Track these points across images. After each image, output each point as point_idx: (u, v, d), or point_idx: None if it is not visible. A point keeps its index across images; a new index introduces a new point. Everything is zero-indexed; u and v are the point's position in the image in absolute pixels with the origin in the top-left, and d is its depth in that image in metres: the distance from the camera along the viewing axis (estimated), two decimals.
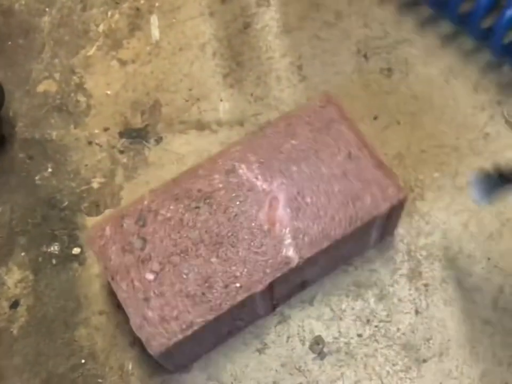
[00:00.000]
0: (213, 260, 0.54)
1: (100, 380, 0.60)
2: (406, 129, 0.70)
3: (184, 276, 0.54)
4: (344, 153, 0.58)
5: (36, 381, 0.61)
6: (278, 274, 0.54)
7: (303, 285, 0.62)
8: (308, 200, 0.57)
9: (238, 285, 0.53)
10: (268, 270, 0.54)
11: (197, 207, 0.57)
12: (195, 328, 0.52)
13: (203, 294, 0.53)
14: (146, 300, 0.53)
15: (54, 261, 0.65)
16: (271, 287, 0.54)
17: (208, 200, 0.57)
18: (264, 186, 0.57)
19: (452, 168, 0.68)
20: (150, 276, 0.54)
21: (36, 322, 0.63)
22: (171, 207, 0.56)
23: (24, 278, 0.65)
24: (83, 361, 0.61)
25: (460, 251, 0.64)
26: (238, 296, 0.53)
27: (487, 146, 0.69)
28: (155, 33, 0.77)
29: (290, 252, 0.54)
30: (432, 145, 0.69)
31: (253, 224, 0.56)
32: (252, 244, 0.55)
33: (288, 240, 0.55)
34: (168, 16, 0.78)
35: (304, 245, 0.55)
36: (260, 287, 0.53)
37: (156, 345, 0.51)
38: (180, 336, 0.51)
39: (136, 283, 0.53)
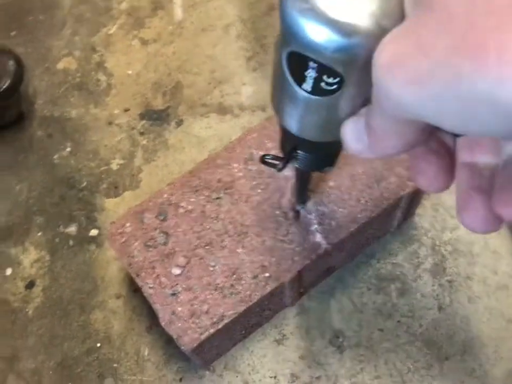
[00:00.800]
0: (239, 250, 0.53)
1: (115, 365, 0.59)
2: None
3: (211, 269, 0.52)
4: None
5: (50, 363, 0.60)
6: (307, 262, 0.52)
7: (329, 271, 0.60)
8: (331, 183, 0.55)
9: (266, 274, 0.52)
10: (296, 258, 0.52)
11: (218, 198, 0.55)
12: (226, 321, 0.50)
13: (232, 285, 0.52)
14: (174, 295, 0.51)
15: (71, 242, 0.64)
16: (299, 275, 0.53)
17: (228, 190, 0.55)
18: (285, 172, 0.56)
19: None
20: (177, 271, 0.52)
21: (52, 303, 0.62)
22: (191, 199, 0.55)
23: (40, 258, 0.64)
24: (98, 344, 0.60)
25: (486, 247, 0.63)
26: (268, 286, 0.51)
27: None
28: (178, 12, 0.75)
29: (318, 238, 0.53)
30: None
31: (277, 212, 0.54)
32: (278, 232, 0.53)
33: (314, 226, 0.53)
34: None
35: (331, 230, 0.53)
36: (289, 276, 0.52)
37: (188, 341, 0.50)
38: (212, 330, 0.50)
39: (163, 278, 0.52)
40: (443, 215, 0.64)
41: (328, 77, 0.32)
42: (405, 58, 0.24)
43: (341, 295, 0.61)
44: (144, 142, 0.69)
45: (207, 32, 0.74)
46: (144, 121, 0.70)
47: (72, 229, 0.65)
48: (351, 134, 0.33)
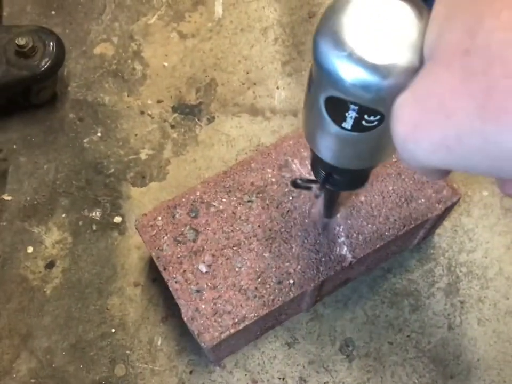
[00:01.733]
0: (266, 255, 0.54)
1: (128, 352, 0.60)
2: None
3: (237, 270, 0.53)
4: None
5: (64, 344, 0.61)
6: (331, 273, 0.53)
7: (346, 282, 0.61)
8: (362, 198, 0.56)
9: (291, 281, 0.53)
10: (321, 268, 0.53)
11: (250, 201, 0.56)
12: (247, 323, 0.52)
13: (256, 288, 0.53)
14: (199, 292, 0.52)
15: (94, 227, 0.65)
16: (321, 284, 0.54)
17: (261, 194, 0.56)
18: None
19: None
20: (203, 268, 0.53)
21: (70, 285, 0.63)
22: (223, 200, 0.56)
23: (62, 239, 0.65)
24: (113, 330, 0.61)
25: (500, 272, 0.64)
26: (291, 293, 0.53)
27: None
28: (218, 10, 0.76)
29: (344, 251, 0.54)
30: None
31: (306, 220, 0.55)
32: (306, 240, 0.54)
33: (341, 239, 0.54)
34: None
35: (357, 244, 0.54)
36: (312, 285, 0.53)
37: (208, 338, 0.51)
38: (232, 330, 0.51)
39: (189, 274, 0.53)
40: (462, 237, 0.65)
41: (369, 116, 0.32)
42: (428, 126, 0.24)
43: (355, 306, 0.62)
44: (175, 135, 0.69)
45: (245, 33, 0.74)
46: (176, 115, 0.70)
47: (96, 213, 0.66)
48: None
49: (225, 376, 0.60)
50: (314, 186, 0.51)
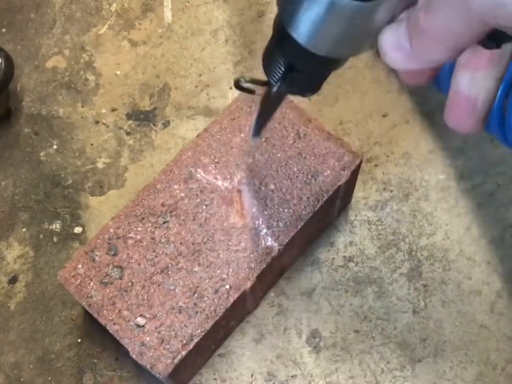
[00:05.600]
0: (196, 269, 0.54)
1: (95, 360, 0.60)
2: (414, 129, 0.70)
3: (172, 292, 0.53)
4: (293, 134, 0.59)
5: (31, 358, 0.61)
6: (264, 266, 0.54)
7: (282, 271, 0.62)
8: (272, 187, 0.57)
9: (227, 286, 0.53)
10: (252, 265, 0.54)
11: (165, 222, 0.56)
12: (196, 340, 0.51)
13: (195, 304, 0.53)
14: (140, 326, 0.52)
15: (55, 239, 0.65)
16: (257, 280, 0.54)
17: (174, 212, 0.56)
18: (226, 184, 0.57)
19: (458, 170, 0.68)
20: (138, 302, 0.53)
21: (34, 299, 0.63)
22: (139, 229, 0.55)
23: (24, 254, 0.65)
24: (79, 340, 0.61)
25: (461, 253, 0.64)
26: (230, 298, 0.53)
27: (493, 150, 0.69)
28: (168, 15, 0.76)
29: (269, 241, 0.55)
30: (439, 147, 0.69)
31: (225, 224, 0.55)
32: (230, 243, 0.55)
33: (263, 231, 0.55)
34: None
35: (280, 231, 0.55)
36: (249, 283, 0.53)
37: (162, 368, 0.51)
38: (184, 352, 0.51)
39: (125, 312, 0.52)
40: (421, 221, 0.66)
41: None
42: None
43: (319, 297, 0.63)
44: (131, 142, 0.70)
45: (196, 36, 0.75)
46: (131, 121, 0.71)
47: (56, 225, 0.66)
48: (391, 42, 0.31)
49: (194, 377, 0.60)
50: (257, 89, 0.44)
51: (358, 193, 0.67)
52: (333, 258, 0.64)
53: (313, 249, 0.64)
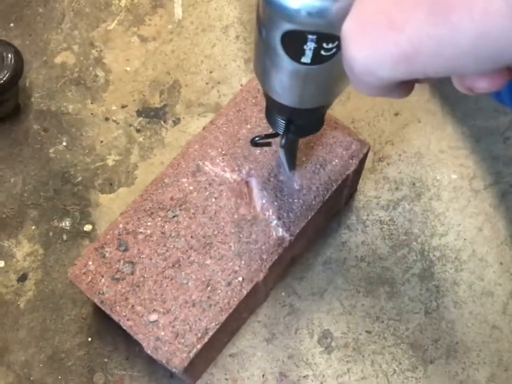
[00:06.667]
0: (208, 262, 0.53)
1: (105, 359, 0.60)
2: (426, 129, 0.70)
3: (185, 286, 0.53)
4: None
5: (41, 356, 0.60)
6: (276, 257, 0.54)
7: (293, 262, 0.62)
8: (281, 177, 0.56)
9: (240, 278, 0.53)
10: (264, 256, 0.53)
11: (175, 216, 0.55)
12: (211, 333, 0.51)
13: (208, 297, 0.52)
14: (154, 321, 0.51)
15: (64, 237, 0.65)
16: (269, 272, 0.54)
17: (183, 206, 0.56)
18: (234, 176, 0.57)
19: (470, 170, 0.68)
20: (150, 297, 0.52)
21: (44, 297, 0.63)
22: (148, 223, 0.55)
23: (33, 251, 0.64)
24: (90, 339, 0.61)
25: (473, 254, 0.64)
26: (244, 290, 0.52)
27: (506, 150, 0.68)
28: (178, 11, 0.76)
29: (280, 232, 0.54)
30: (451, 146, 0.69)
31: (235, 216, 0.55)
32: (241, 235, 0.54)
33: (274, 222, 0.55)
34: None
35: (291, 222, 0.55)
36: (261, 275, 0.53)
37: (178, 362, 0.50)
38: (199, 346, 0.51)
39: (138, 308, 0.52)
40: (433, 222, 0.65)
41: (328, 43, 0.33)
42: (384, 43, 0.25)
43: (331, 297, 0.62)
44: (141, 139, 0.69)
45: (207, 32, 0.74)
46: (141, 119, 0.70)
47: (66, 223, 0.65)
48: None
49: (205, 377, 0.60)
50: (272, 140, 0.52)
51: (369, 192, 0.66)
52: (345, 258, 0.64)
53: (325, 249, 0.64)
